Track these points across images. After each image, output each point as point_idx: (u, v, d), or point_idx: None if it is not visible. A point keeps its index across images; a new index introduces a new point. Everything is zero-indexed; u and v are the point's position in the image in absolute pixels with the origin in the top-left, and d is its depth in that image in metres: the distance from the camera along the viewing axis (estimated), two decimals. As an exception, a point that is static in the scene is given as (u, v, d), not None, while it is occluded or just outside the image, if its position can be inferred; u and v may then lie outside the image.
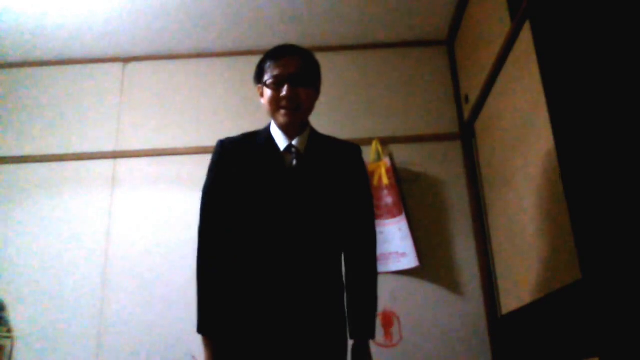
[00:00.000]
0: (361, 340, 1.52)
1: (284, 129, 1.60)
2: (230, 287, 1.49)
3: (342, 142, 1.69)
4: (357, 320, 1.51)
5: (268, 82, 1.56)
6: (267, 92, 1.57)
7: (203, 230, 1.55)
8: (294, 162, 1.55)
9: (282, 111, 1.55)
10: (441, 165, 2.84)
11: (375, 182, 2.76)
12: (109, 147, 2.95)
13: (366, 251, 1.59)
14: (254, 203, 1.52)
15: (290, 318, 1.43)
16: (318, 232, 1.51)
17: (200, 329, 1.45)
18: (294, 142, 1.58)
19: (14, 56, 3.08)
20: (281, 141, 1.59)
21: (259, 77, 1.62)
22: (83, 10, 2.74)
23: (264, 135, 1.62)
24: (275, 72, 1.55)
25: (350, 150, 1.66)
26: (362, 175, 1.66)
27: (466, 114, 2.83)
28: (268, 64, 1.58)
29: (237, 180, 1.54)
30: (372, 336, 1.52)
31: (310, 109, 1.62)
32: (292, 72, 1.54)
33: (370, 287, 1.55)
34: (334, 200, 1.56)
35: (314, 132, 1.66)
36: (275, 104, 1.56)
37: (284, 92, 1.53)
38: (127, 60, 3.14)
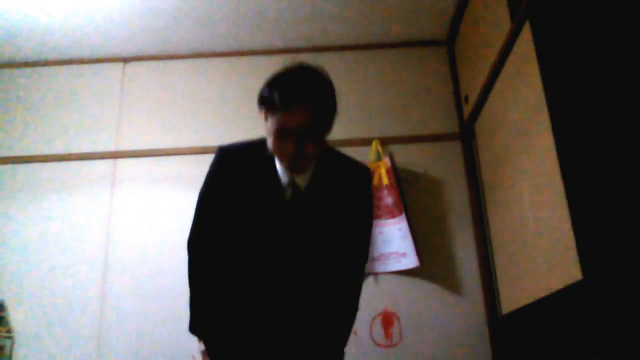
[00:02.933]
0: None
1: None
2: (221, 305, 1.49)
3: (351, 165, 1.53)
4: (323, 343, 1.44)
5: (272, 131, 1.34)
6: (270, 137, 1.37)
7: (193, 241, 1.51)
8: (292, 196, 1.44)
9: (285, 163, 1.40)
10: (441, 165, 2.84)
11: (375, 182, 2.75)
12: (109, 147, 2.95)
13: (348, 291, 1.49)
14: (244, 232, 1.47)
15: (280, 351, 1.41)
16: (310, 270, 1.45)
17: (190, 329, 1.48)
18: (297, 179, 1.44)
19: (14, 56, 3.07)
20: (284, 174, 1.44)
21: (262, 102, 1.37)
22: (83, 10, 2.74)
23: (267, 157, 1.43)
24: (282, 123, 1.31)
25: (356, 177, 1.51)
26: (364, 204, 1.52)
27: (466, 114, 2.83)
28: (273, 103, 1.32)
29: (232, 204, 1.46)
30: None
31: (317, 154, 1.43)
32: (302, 126, 1.31)
33: (342, 330, 1.47)
34: (330, 238, 1.47)
35: (319, 161, 1.47)
36: (279, 154, 1.39)
37: (288, 149, 1.33)
38: (127, 60, 3.13)
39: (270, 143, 1.37)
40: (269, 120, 1.35)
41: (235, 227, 1.48)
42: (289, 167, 1.40)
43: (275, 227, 1.45)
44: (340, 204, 1.47)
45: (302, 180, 1.45)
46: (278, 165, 1.45)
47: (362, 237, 1.53)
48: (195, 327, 1.47)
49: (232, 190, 1.46)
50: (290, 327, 1.42)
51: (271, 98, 1.33)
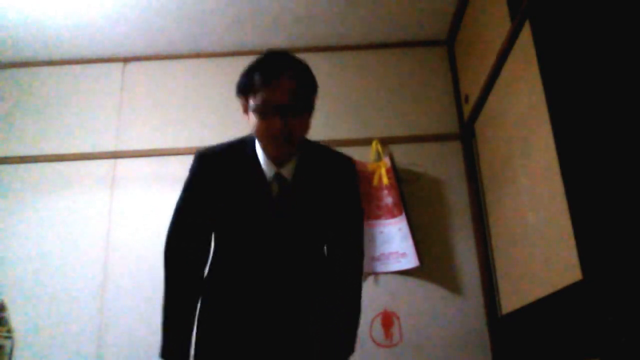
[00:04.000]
0: None
1: (272, 157, 1.43)
2: (201, 312, 1.44)
3: (335, 156, 1.53)
4: (329, 341, 1.37)
5: (255, 110, 1.35)
6: (253, 119, 1.37)
7: (170, 250, 1.44)
8: (279, 190, 1.43)
9: (271, 145, 1.39)
10: (441, 165, 2.84)
11: (375, 182, 2.76)
12: (109, 147, 2.95)
13: (350, 271, 1.46)
14: (234, 232, 1.45)
15: (273, 347, 1.38)
16: (302, 263, 1.44)
17: (162, 354, 1.37)
18: (282, 171, 1.43)
19: (15, 56, 3.07)
20: (268, 167, 1.43)
21: (243, 89, 1.40)
22: (83, 10, 2.74)
23: (249, 154, 1.45)
24: (266, 99, 1.33)
25: (341, 167, 1.51)
26: (351, 194, 1.51)
27: (466, 114, 2.83)
28: (256, 81, 1.34)
29: (216, 205, 1.44)
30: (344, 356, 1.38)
31: (303, 136, 1.45)
32: (284, 101, 1.32)
33: (350, 311, 1.42)
34: (319, 227, 1.47)
35: (304, 151, 1.48)
36: (263, 136, 1.38)
37: (274, 125, 1.33)
38: (127, 60, 3.13)
39: (255, 127, 1.38)
40: (251, 102, 1.36)
41: (223, 227, 1.46)
42: (276, 148, 1.39)
43: (265, 222, 1.43)
44: (327, 194, 1.46)
45: (287, 172, 1.44)
46: (262, 159, 1.44)
47: (354, 228, 1.51)
48: (166, 350, 1.36)
49: (216, 192, 1.44)
50: (287, 328, 1.39)
51: (251, 80, 1.36)
